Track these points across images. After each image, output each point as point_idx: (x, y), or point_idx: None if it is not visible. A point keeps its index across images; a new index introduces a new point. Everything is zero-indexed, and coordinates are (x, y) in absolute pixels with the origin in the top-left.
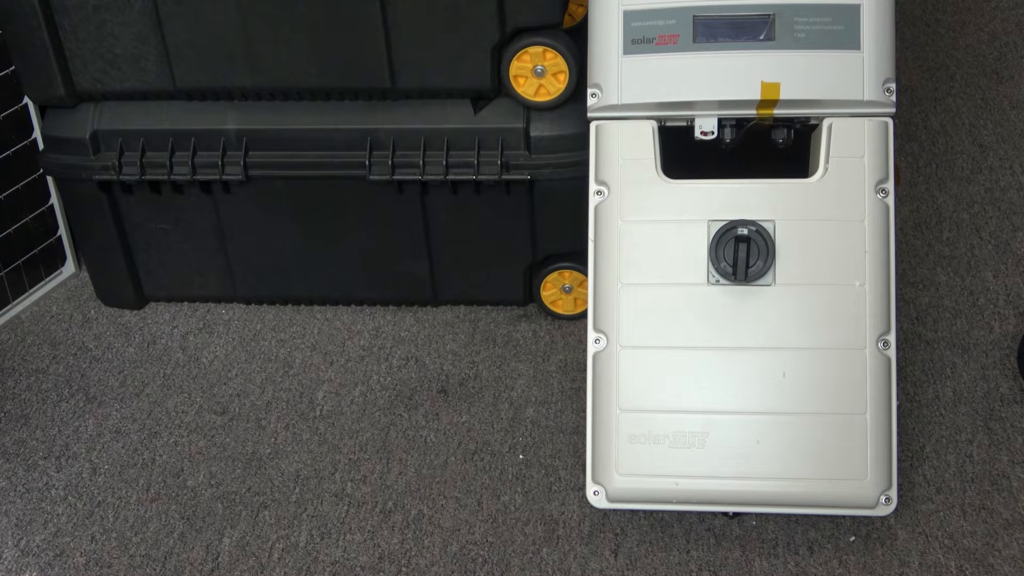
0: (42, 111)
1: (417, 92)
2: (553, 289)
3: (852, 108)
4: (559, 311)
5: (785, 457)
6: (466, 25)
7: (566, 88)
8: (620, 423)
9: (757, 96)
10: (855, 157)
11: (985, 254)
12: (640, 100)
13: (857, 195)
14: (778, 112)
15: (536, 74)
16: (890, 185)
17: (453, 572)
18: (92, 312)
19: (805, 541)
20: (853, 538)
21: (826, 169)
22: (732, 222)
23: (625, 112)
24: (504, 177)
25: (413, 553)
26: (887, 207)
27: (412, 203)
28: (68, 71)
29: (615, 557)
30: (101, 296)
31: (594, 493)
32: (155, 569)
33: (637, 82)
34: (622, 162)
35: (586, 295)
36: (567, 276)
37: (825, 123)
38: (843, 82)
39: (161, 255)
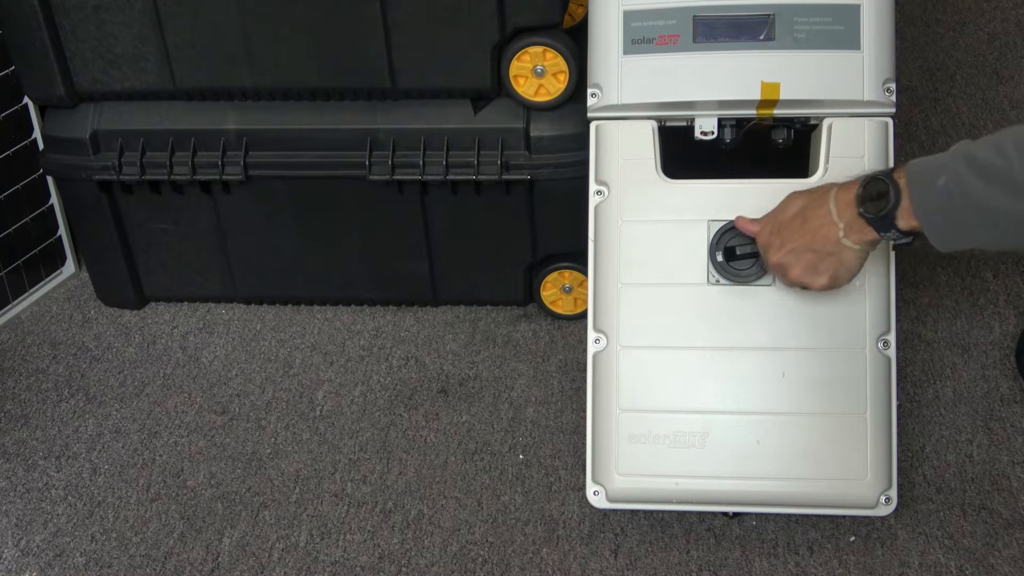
0: (42, 111)
1: (417, 92)
2: (553, 289)
3: (852, 108)
4: (559, 311)
5: (785, 457)
6: (466, 25)
7: (566, 88)
8: (620, 423)
9: (757, 96)
10: (855, 157)
11: (985, 254)
12: (640, 100)
13: None
14: (778, 112)
15: (536, 74)
16: None
17: (453, 572)
18: (92, 312)
19: (805, 541)
20: (853, 538)
21: (826, 169)
22: (732, 222)
23: (625, 112)
24: (504, 177)
25: (413, 553)
26: None
27: (412, 203)
28: (68, 71)
29: (615, 557)
30: (101, 296)
31: (594, 493)
32: (155, 569)
33: (637, 82)
34: (622, 162)
35: (586, 295)
36: (567, 276)
37: (825, 123)
38: (843, 82)
39: (161, 255)
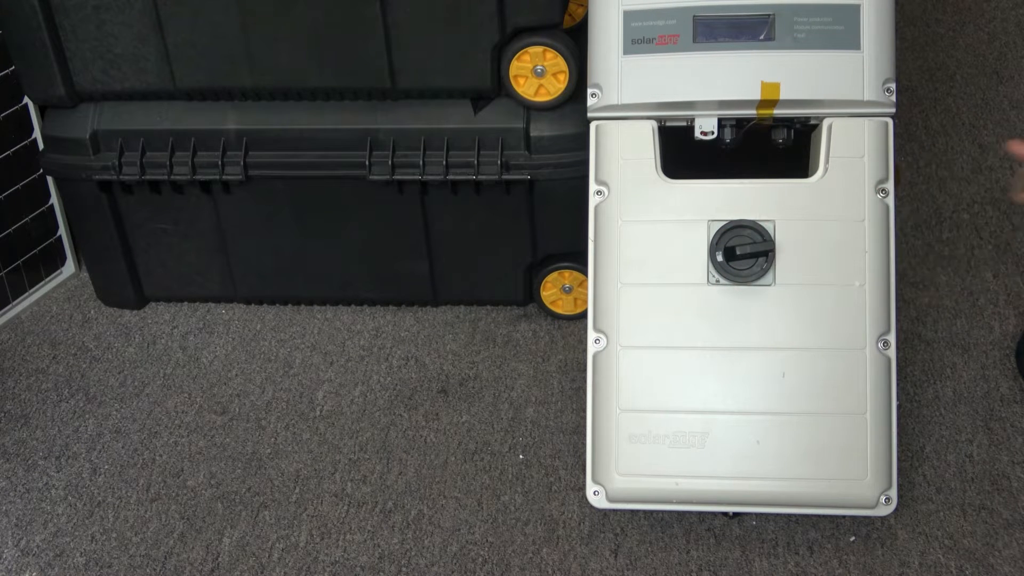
0: (42, 111)
1: (417, 92)
2: (553, 289)
3: (852, 108)
4: (559, 311)
5: (785, 457)
6: (466, 25)
7: (566, 88)
8: (620, 423)
9: (757, 96)
10: (855, 157)
11: (985, 254)
12: (640, 100)
13: (857, 195)
14: (778, 112)
15: (536, 74)
16: (890, 185)
17: (453, 572)
18: (92, 312)
19: (805, 541)
20: (853, 538)
21: (826, 169)
22: (732, 222)
23: (625, 112)
24: (504, 177)
25: (413, 553)
26: (887, 207)
27: (412, 203)
28: (68, 71)
29: (615, 557)
30: (101, 296)
31: (594, 493)
32: (155, 569)
33: (637, 82)
34: (622, 162)
35: (586, 295)
36: (567, 276)
37: (825, 123)
38: (843, 82)
39: (161, 255)
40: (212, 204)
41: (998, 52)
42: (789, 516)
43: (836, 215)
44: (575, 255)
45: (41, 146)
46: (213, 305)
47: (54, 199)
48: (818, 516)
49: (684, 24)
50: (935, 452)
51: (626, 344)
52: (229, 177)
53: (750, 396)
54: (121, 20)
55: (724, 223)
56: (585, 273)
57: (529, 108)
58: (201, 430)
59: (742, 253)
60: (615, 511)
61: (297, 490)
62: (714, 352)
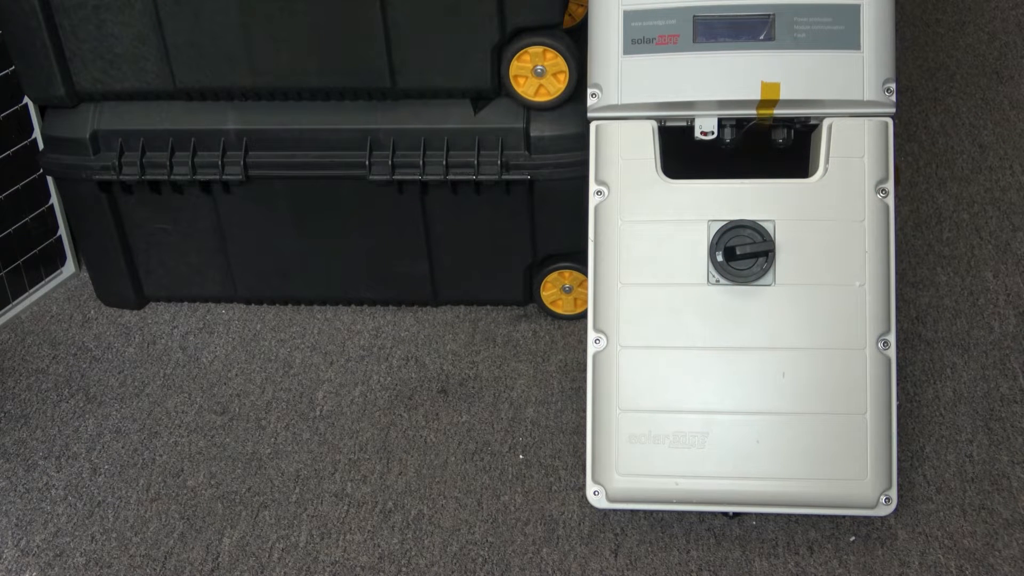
0: (42, 111)
1: (417, 92)
2: (553, 289)
3: (852, 108)
4: (559, 311)
5: (785, 457)
6: (466, 25)
7: (566, 88)
8: (620, 423)
9: (757, 96)
10: (855, 157)
11: (985, 254)
12: (640, 100)
13: (857, 195)
14: (778, 112)
15: (536, 74)
16: (890, 185)
17: (453, 572)
18: (92, 312)
19: (805, 541)
20: (853, 538)
21: (826, 169)
22: (732, 222)
23: (625, 112)
24: (504, 177)
25: (413, 553)
26: (887, 207)
27: (412, 203)
28: (68, 71)
29: (615, 557)
30: (101, 296)
31: (594, 493)
32: (155, 569)
33: (637, 82)
34: (622, 162)
35: (586, 295)
36: (567, 276)
37: (825, 123)
38: (843, 82)
39: (161, 255)
40: (212, 204)
41: (998, 52)
42: (789, 516)
43: (836, 215)
44: (575, 255)
45: (41, 146)
46: (213, 305)
47: (54, 199)
48: (818, 516)
49: (684, 24)
50: (935, 452)
51: (626, 344)
52: (229, 177)
53: (750, 396)
54: (121, 20)
55: (724, 223)
56: (585, 273)
57: (529, 108)
58: (201, 430)
59: (742, 253)
60: (615, 511)
61: (297, 490)
62: (714, 352)
